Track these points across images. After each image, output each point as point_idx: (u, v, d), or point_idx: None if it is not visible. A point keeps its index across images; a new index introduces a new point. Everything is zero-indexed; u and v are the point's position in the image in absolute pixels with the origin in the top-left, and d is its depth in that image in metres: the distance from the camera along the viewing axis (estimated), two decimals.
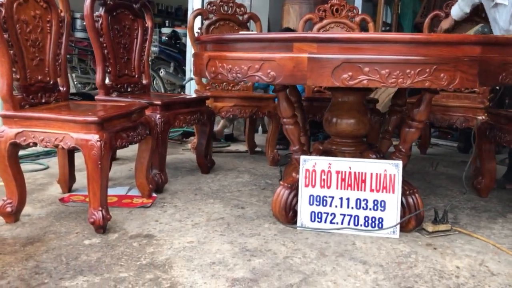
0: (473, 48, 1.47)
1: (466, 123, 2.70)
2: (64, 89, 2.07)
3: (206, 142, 2.64)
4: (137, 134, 1.94)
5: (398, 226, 1.78)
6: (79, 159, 2.13)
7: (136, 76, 2.56)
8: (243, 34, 1.67)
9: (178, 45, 6.06)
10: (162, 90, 5.59)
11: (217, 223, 1.89)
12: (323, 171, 1.83)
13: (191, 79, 3.85)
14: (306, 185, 1.84)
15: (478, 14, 2.80)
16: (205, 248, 1.65)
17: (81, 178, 2.35)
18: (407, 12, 5.26)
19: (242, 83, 3.11)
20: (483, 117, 2.61)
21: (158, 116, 2.23)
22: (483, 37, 1.54)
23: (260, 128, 4.20)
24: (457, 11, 2.81)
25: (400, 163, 1.79)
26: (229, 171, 2.76)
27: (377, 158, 1.95)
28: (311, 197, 1.83)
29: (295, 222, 1.85)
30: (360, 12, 3.04)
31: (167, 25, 8.41)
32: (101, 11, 2.31)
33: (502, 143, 2.14)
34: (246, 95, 2.94)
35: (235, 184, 2.49)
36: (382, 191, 1.78)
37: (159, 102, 2.24)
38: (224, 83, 3.12)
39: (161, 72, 5.56)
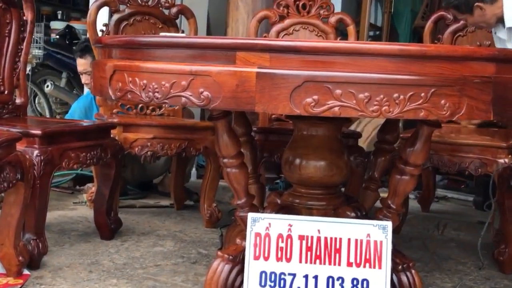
0: (486, 66, 1.55)
1: (483, 169, 2.79)
2: None
3: (109, 192, 2.61)
4: (1, 180, 1.89)
5: None
6: None
7: (6, 92, 2.53)
8: (165, 36, 1.70)
9: (74, 47, 6.03)
10: (47, 113, 5.50)
11: None
12: (280, 236, 1.84)
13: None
14: (256, 257, 1.84)
15: None
16: None
17: None
18: (403, 12, 5.54)
19: (165, 105, 3.13)
20: (506, 160, 2.72)
21: (36, 152, 2.19)
22: (499, 51, 1.63)
23: (193, 171, 4.20)
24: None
25: (389, 224, 1.83)
26: (143, 236, 2.73)
27: (357, 217, 1.99)
28: (263, 274, 1.83)
29: None
30: (337, 10, 3.17)
31: (59, 17, 8.36)
32: None
33: None
34: (173, 122, 2.94)
35: (152, 255, 2.46)
36: (365, 266, 1.81)
37: (38, 132, 2.21)
38: (140, 105, 3.12)
39: (47, 87, 5.48)
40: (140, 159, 2.86)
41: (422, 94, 1.48)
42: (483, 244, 2.52)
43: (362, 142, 3.62)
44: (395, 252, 1.88)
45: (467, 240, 2.98)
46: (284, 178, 3.67)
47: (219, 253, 1.91)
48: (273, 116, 3.17)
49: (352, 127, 4.09)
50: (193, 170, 4.23)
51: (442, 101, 1.50)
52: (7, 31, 2.53)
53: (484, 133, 2.98)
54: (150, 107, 3.16)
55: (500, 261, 2.48)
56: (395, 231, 2.15)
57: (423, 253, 2.71)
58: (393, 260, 1.85)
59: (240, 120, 2.33)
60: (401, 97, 1.48)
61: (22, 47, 2.57)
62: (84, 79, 3.75)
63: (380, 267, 1.81)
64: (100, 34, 3.00)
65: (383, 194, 2.05)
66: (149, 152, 2.82)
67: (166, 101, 1.57)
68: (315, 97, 1.48)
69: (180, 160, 3.30)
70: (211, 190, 2.98)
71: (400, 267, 1.87)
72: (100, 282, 2.12)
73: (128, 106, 3.11)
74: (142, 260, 2.39)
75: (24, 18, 2.58)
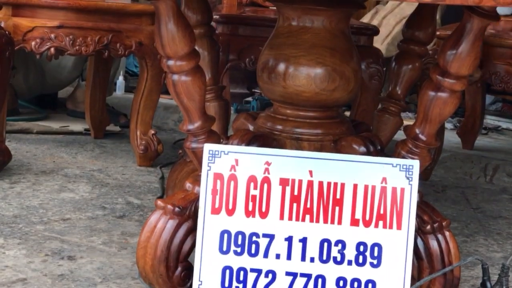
0: None
1: None
2: None
3: None
4: None
5: None
6: None
7: None
8: None
9: None
10: None
11: None
12: (253, 179, 1.86)
13: None
14: (216, 210, 1.85)
15: None
16: None
17: None
18: None
19: None
20: None
21: None
22: None
23: (120, 80, 4.19)
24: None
25: (415, 164, 1.85)
26: (44, 176, 2.76)
27: (369, 153, 2.01)
28: (225, 235, 1.85)
29: None
30: None
31: None
32: None
33: None
34: (90, 3, 2.91)
35: (58, 205, 2.49)
36: (377, 225, 1.84)
37: None
38: None
39: None
40: (39, 58, 2.83)
41: None
42: None
43: (380, 42, 3.62)
44: (422, 206, 1.91)
45: None
46: (260, 93, 3.67)
47: (160, 203, 1.92)
48: None
49: (366, 19, 4.08)
50: (120, 79, 4.22)
51: None
52: None
53: None
54: None
55: None
56: (424, 176, 2.17)
57: (463, 208, 2.76)
58: (418, 217, 1.88)
59: (194, 2, 2.32)
60: None
61: None
62: None
63: (399, 227, 1.84)
64: None
65: (408, 122, 2.05)
66: (52, 49, 2.80)
67: None
68: None
69: (100, 63, 3.30)
70: (148, 110, 3.00)
71: (428, 227, 1.90)
72: None
73: None
74: (43, 212, 2.40)
75: None
